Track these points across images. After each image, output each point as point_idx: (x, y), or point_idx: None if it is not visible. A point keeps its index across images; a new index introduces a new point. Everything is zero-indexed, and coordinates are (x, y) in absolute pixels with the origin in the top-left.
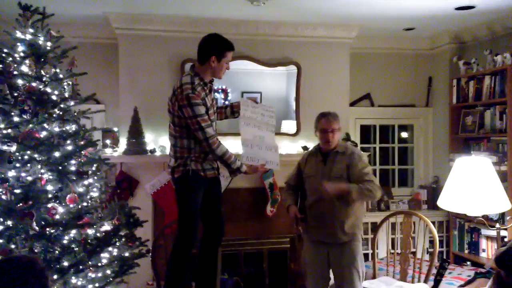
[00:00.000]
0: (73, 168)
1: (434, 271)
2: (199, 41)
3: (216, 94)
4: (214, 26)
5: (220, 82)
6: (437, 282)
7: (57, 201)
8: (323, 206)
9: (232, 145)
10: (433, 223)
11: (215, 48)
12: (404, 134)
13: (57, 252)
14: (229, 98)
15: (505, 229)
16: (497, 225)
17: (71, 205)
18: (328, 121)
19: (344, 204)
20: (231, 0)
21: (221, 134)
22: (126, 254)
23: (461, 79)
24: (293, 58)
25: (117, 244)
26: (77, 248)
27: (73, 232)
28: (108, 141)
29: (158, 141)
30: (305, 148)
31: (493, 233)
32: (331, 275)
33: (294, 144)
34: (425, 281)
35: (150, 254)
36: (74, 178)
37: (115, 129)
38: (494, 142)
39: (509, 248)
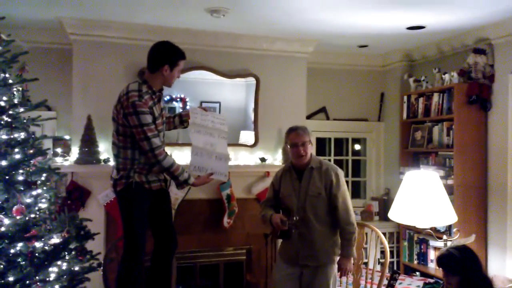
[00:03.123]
0: (21, 178)
1: (385, 281)
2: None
3: (174, 103)
4: (172, 36)
5: (179, 91)
6: None
7: (3, 213)
8: (304, 227)
9: (188, 156)
10: (384, 234)
11: (168, 57)
12: (358, 147)
13: (1, 266)
14: (187, 107)
15: (452, 240)
16: (444, 237)
17: (18, 217)
18: (298, 134)
19: (324, 227)
20: (190, 10)
21: (176, 144)
22: (76, 268)
23: (411, 95)
24: (252, 70)
25: (67, 257)
26: (23, 262)
27: (20, 245)
28: (59, 150)
29: None
30: (262, 159)
31: (440, 244)
32: None
33: (252, 156)
34: None
35: (102, 268)
36: (22, 188)
37: (67, 137)
38: (441, 157)
39: (448, 249)
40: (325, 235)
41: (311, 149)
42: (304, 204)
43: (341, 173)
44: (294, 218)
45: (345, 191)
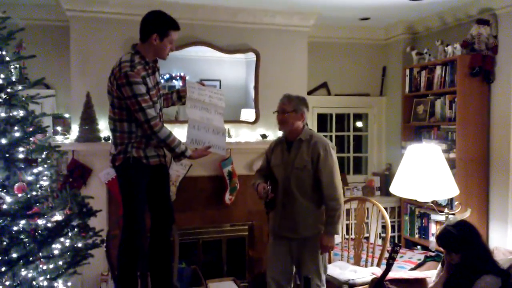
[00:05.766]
0: (21, 156)
1: (386, 255)
2: None
3: (174, 81)
4: (171, 10)
5: (179, 69)
6: (389, 265)
7: (5, 190)
8: (286, 199)
9: (183, 133)
10: (386, 209)
11: (157, 26)
12: (359, 123)
13: (5, 243)
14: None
15: (453, 214)
16: (446, 210)
17: (20, 194)
18: (281, 102)
19: (307, 201)
20: None
21: (176, 121)
22: (79, 245)
23: (413, 69)
24: (252, 45)
25: (70, 234)
26: (26, 239)
27: (22, 222)
28: (59, 128)
29: None
30: (264, 136)
31: (442, 218)
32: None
33: (253, 133)
34: (378, 265)
35: (104, 244)
36: (23, 166)
37: (67, 115)
38: (443, 130)
39: (445, 227)
40: (308, 209)
41: (296, 120)
42: (289, 176)
43: (330, 148)
44: (268, 186)
45: (333, 166)
